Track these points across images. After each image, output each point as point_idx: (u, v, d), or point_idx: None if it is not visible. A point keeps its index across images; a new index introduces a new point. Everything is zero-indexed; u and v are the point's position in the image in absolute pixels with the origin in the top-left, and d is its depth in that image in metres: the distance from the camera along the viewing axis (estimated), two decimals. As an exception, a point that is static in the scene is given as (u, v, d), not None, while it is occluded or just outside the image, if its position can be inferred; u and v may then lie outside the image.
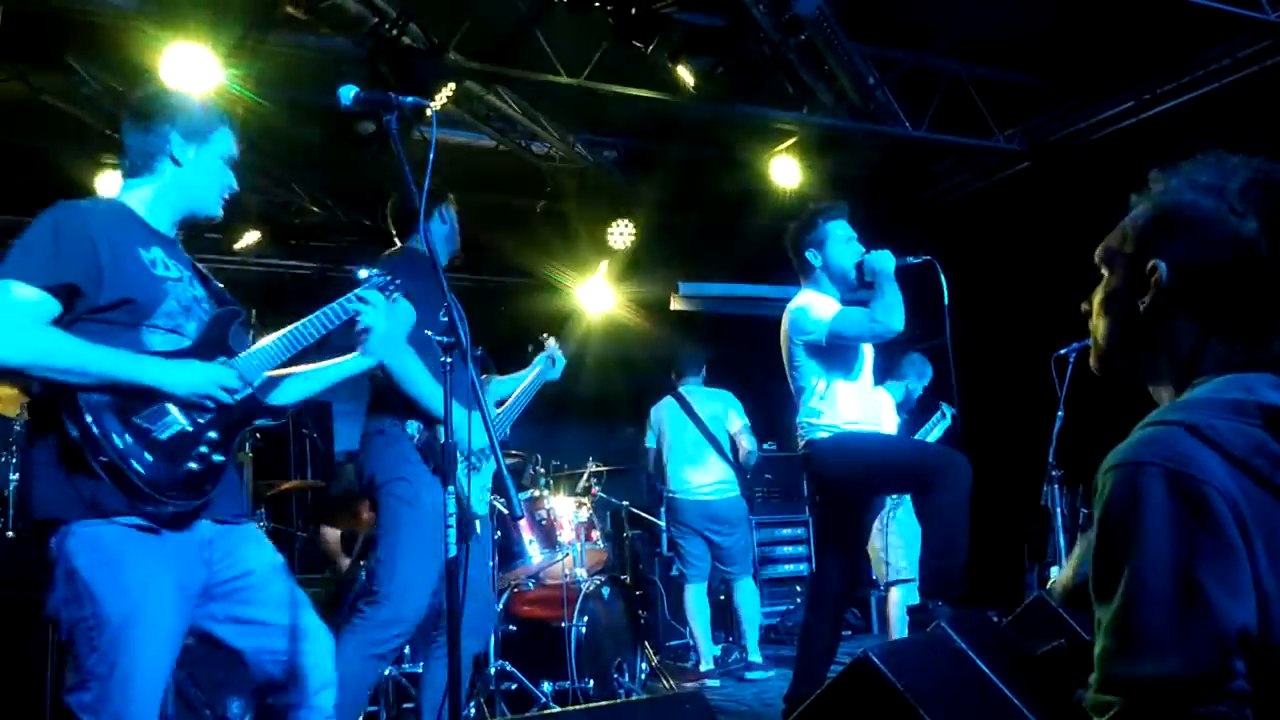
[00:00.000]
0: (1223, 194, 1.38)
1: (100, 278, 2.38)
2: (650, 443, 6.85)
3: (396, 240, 4.01)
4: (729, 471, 6.64)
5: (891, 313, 4.05)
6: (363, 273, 3.06)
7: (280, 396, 2.85)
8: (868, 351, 4.40)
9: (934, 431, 6.20)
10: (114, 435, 2.32)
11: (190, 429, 2.46)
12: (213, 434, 2.51)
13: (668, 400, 6.81)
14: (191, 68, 5.16)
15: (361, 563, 5.13)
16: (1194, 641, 1.17)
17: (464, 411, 3.33)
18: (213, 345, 2.58)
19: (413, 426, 3.65)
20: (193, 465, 2.44)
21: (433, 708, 3.61)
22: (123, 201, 2.62)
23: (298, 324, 2.78)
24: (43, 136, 6.45)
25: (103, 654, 2.29)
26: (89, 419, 2.30)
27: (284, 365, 2.79)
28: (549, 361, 4.26)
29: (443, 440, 2.68)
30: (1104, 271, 1.52)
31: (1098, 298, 1.52)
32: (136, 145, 2.63)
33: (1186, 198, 1.41)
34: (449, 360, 2.67)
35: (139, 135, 2.62)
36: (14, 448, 4.94)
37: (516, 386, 4.16)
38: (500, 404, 4.11)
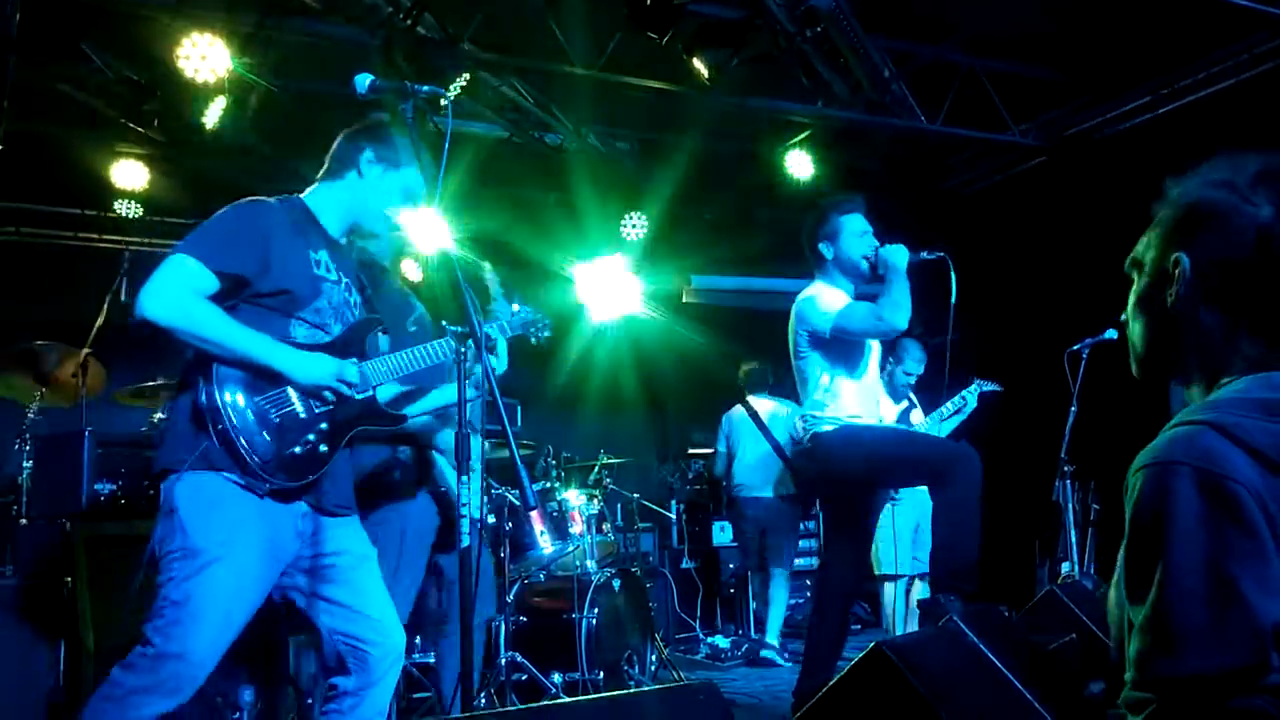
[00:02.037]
0: (1235, 186, 1.41)
1: (267, 269, 2.62)
2: (721, 447, 7.48)
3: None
4: (787, 474, 7.20)
5: (898, 310, 3.98)
6: (514, 306, 3.21)
7: (401, 407, 3.03)
8: (874, 347, 4.35)
9: (951, 417, 6.10)
10: (234, 408, 2.52)
11: (304, 415, 2.63)
12: (324, 425, 2.66)
13: (739, 411, 7.37)
14: (206, 56, 5.18)
15: None
16: (1230, 637, 1.17)
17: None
18: (348, 345, 2.77)
19: None
20: (297, 449, 2.59)
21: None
22: (306, 203, 2.84)
23: (431, 343, 2.96)
24: (58, 125, 6.46)
25: (179, 582, 2.41)
26: (216, 389, 2.50)
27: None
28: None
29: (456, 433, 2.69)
30: (1133, 277, 1.53)
31: (1130, 303, 1.54)
32: (338, 152, 2.90)
33: (1202, 194, 1.44)
34: (464, 350, 2.68)
35: (343, 144, 2.90)
36: (28, 435, 4.94)
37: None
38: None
